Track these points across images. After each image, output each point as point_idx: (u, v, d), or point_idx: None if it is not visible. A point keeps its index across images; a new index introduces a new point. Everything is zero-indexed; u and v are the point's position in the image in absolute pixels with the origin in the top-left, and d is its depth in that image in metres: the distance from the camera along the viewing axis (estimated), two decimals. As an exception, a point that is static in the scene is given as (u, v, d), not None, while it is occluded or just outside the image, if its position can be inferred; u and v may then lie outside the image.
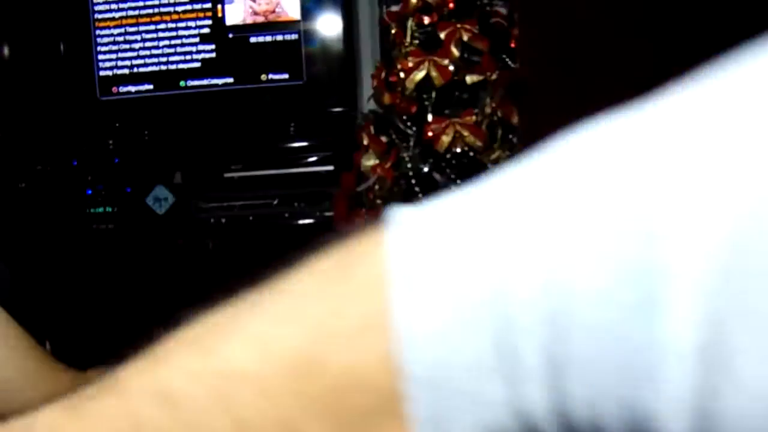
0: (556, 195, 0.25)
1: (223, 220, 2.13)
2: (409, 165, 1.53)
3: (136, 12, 2.16)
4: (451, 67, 1.47)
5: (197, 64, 2.16)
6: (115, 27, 2.17)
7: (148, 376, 0.31)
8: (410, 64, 1.49)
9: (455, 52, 1.46)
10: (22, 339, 0.72)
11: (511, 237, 0.26)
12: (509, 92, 1.41)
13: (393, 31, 1.59)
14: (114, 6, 2.17)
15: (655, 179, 0.24)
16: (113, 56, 2.18)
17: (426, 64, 1.49)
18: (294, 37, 2.13)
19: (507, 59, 1.41)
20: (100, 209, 2.18)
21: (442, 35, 1.48)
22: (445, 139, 1.46)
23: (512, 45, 1.47)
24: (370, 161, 1.59)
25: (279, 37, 2.13)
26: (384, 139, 1.59)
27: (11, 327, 0.71)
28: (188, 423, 0.30)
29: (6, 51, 2.21)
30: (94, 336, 2.04)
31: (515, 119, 1.46)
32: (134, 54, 2.18)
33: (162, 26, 2.16)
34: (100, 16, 2.17)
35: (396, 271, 0.27)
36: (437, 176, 1.52)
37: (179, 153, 2.16)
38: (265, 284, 0.31)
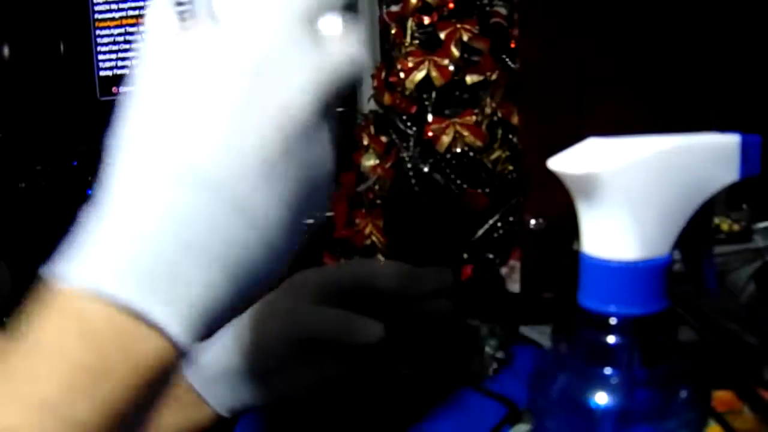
0: None
1: (223, 220, 2.12)
2: (409, 165, 1.53)
3: (136, 12, 2.16)
4: (451, 67, 1.47)
5: (197, 64, 2.16)
6: (115, 27, 2.17)
7: None
8: (410, 64, 1.50)
9: (455, 52, 1.46)
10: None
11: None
12: (509, 92, 1.42)
13: (393, 31, 1.59)
14: (114, 6, 2.17)
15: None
16: (113, 56, 2.18)
17: (426, 64, 1.49)
18: (294, 37, 2.12)
19: (507, 59, 1.41)
20: (100, 209, 2.18)
21: (442, 35, 1.48)
22: (445, 139, 1.46)
23: (512, 45, 1.47)
24: (370, 161, 1.59)
25: (279, 37, 2.13)
26: (384, 139, 1.59)
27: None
28: None
29: (6, 51, 2.20)
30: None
31: (515, 119, 1.46)
32: (134, 54, 2.18)
33: (162, 26, 2.16)
34: (100, 16, 2.17)
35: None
36: (437, 176, 1.52)
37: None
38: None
